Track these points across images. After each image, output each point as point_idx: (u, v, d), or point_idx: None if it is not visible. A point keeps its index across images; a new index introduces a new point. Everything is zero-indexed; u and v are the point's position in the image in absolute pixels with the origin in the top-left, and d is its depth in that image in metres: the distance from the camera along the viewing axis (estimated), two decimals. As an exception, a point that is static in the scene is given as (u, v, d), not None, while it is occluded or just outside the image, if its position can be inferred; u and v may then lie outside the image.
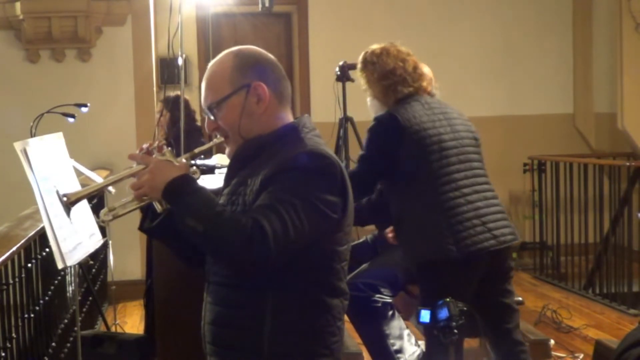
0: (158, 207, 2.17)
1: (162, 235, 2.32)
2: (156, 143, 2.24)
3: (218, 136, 2.28)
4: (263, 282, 2.10)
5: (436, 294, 3.14)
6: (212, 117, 2.22)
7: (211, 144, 2.30)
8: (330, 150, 2.19)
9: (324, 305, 2.15)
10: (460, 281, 3.35)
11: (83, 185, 3.81)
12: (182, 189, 2.07)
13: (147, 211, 2.27)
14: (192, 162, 2.35)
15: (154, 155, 2.19)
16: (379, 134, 3.44)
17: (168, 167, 2.13)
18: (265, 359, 2.12)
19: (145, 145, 2.23)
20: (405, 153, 3.37)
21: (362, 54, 3.66)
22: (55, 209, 3.15)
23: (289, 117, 2.25)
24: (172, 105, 5.46)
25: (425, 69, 4.03)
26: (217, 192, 2.33)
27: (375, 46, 3.64)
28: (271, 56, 2.29)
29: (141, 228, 2.28)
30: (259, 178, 2.11)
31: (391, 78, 3.52)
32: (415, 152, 3.37)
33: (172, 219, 2.13)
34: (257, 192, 2.09)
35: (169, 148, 2.26)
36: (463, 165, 3.43)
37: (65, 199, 2.20)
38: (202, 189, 2.10)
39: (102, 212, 2.21)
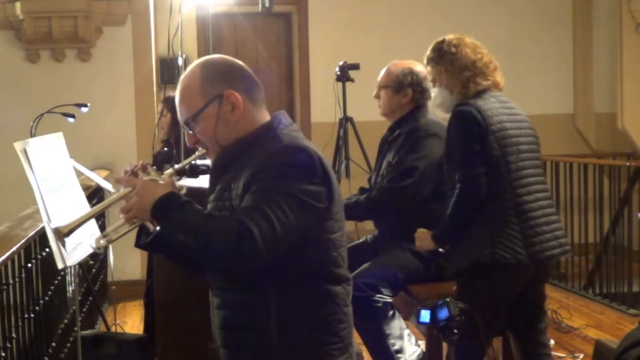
0: (150, 227, 2.18)
1: (158, 250, 2.35)
2: (140, 163, 2.26)
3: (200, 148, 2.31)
4: (263, 281, 2.13)
5: (485, 294, 3.15)
6: (190, 132, 2.25)
7: (194, 156, 2.34)
8: (308, 142, 2.22)
9: (327, 294, 2.19)
10: (515, 283, 3.36)
11: (83, 186, 3.81)
12: (168, 207, 2.10)
13: (142, 227, 2.28)
14: (194, 162, 2.38)
15: (139, 176, 2.22)
16: (467, 127, 3.34)
17: (153, 186, 2.15)
18: (277, 355, 2.16)
19: (129, 167, 2.25)
20: (486, 148, 3.31)
21: (434, 44, 3.53)
22: (55, 209, 3.15)
23: (265, 118, 2.28)
24: (173, 105, 5.43)
25: (420, 66, 4.03)
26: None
27: (450, 36, 3.51)
28: (239, 62, 2.30)
29: (137, 244, 2.29)
30: (241, 181, 2.14)
31: (472, 70, 3.43)
32: (495, 149, 3.31)
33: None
34: (241, 195, 2.12)
35: (153, 167, 2.28)
36: (535, 170, 3.40)
37: (56, 232, 2.23)
38: (187, 202, 2.12)
39: (96, 239, 2.24)
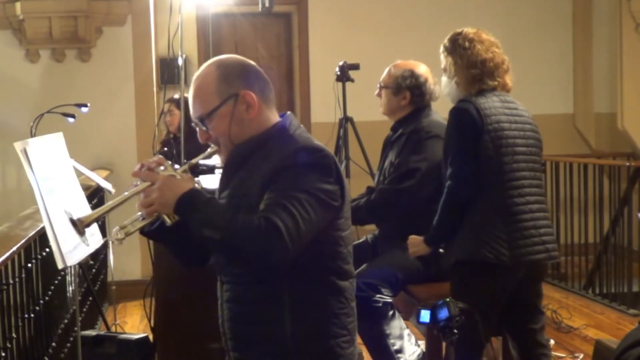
0: (167, 220, 2.22)
1: (161, 238, 2.40)
2: (153, 157, 2.29)
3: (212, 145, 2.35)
4: (277, 276, 2.19)
5: (473, 294, 3.14)
6: (203, 128, 2.30)
7: (206, 153, 2.38)
8: (319, 142, 2.29)
9: (337, 289, 2.26)
10: (503, 285, 3.35)
11: (83, 186, 3.81)
12: (194, 202, 2.15)
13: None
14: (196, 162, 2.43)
15: (156, 171, 2.25)
16: (463, 125, 3.33)
17: (175, 182, 2.20)
18: (289, 347, 2.22)
19: (144, 162, 2.28)
20: (480, 146, 3.30)
21: (452, 35, 3.50)
22: (55, 209, 3.15)
23: (275, 117, 2.34)
24: (184, 104, 5.46)
25: (422, 68, 4.03)
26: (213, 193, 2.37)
27: (468, 29, 3.48)
28: (252, 62, 2.36)
29: (142, 231, 2.33)
30: (258, 178, 2.20)
31: (480, 68, 3.40)
32: (489, 149, 3.30)
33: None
34: (259, 192, 2.18)
35: (169, 162, 2.32)
36: (530, 173, 3.38)
37: (79, 223, 2.29)
38: (211, 199, 2.19)
39: (114, 230, 2.27)
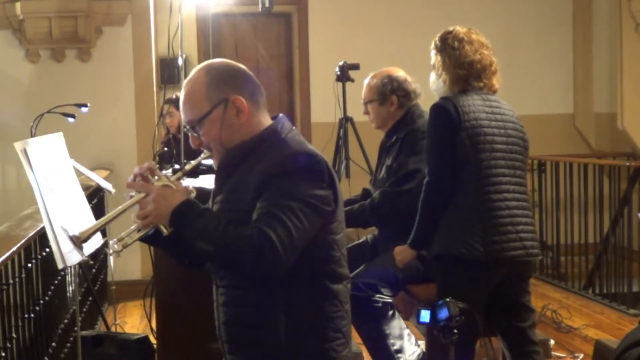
0: (164, 230, 2.23)
1: (158, 243, 2.41)
2: (147, 165, 2.29)
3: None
4: (272, 281, 2.19)
5: (453, 290, 3.14)
6: (195, 134, 2.30)
7: (200, 158, 2.38)
8: (312, 146, 2.29)
9: (330, 292, 2.26)
10: (480, 281, 3.35)
11: (83, 186, 3.81)
12: (188, 214, 2.16)
13: None
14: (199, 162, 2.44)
15: (150, 181, 2.25)
16: (440, 123, 3.34)
17: (170, 193, 2.21)
18: (283, 350, 2.22)
19: (137, 170, 2.27)
20: (457, 143, 3.31)
21: (443, 33, 3.50)
22: (55, 209, 3.15)
23: (267, 120, 2.34)
24: None
25: (397, 70, 4.04)
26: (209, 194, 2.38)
27: (459, 29, 3.48)
28: (241, 66, 2.36)
29: (138, 238, 2.33)
30: (251, 183, 2.20)
31: (467, 69, 3.41)
32: (466, 146, 3.30)
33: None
34: (252, 198, 2.18)
35: (163, 172, 2.32)
36: (509, 170, 3.39)
37: (76, 239, 2.30)
38: (206, 210, 2.20)
39: (112, 243, 2.28)
